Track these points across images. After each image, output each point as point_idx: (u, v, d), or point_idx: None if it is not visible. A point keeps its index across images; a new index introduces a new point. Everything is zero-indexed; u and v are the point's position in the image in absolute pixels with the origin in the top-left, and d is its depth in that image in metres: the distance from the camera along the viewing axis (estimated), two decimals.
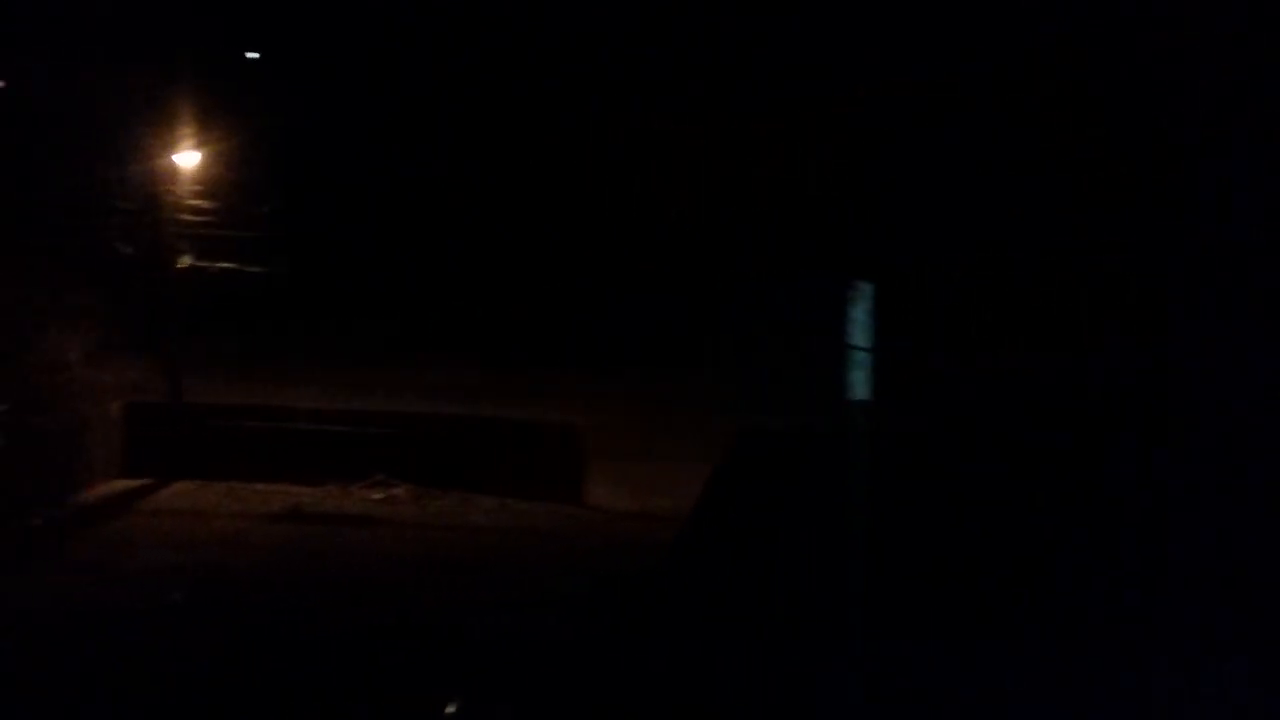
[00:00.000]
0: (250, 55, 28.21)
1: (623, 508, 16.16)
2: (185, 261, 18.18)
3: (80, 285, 17.33)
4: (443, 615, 11.49)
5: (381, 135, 27.27)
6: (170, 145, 18.35)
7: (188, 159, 18.42)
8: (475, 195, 26.91)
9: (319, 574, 13.08)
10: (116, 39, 21.40)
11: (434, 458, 16.70)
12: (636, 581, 10.74)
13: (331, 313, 23.30)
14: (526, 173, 26.63)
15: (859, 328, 6.39)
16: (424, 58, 28.19)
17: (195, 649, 10.53)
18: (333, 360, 21.25)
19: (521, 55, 27.52)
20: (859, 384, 6.41)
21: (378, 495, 16.28)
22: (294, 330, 22.72)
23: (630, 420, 18.48)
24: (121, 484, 16.67)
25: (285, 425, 17.19)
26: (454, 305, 23.93)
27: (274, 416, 17.40)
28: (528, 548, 14.50)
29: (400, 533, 14.90)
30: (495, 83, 27.29)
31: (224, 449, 16.74)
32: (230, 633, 11.02)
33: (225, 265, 18.51)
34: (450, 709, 8.91)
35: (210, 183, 18.57)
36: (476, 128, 27.12)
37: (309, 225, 23.25)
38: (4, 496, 14.63)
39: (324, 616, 11.61)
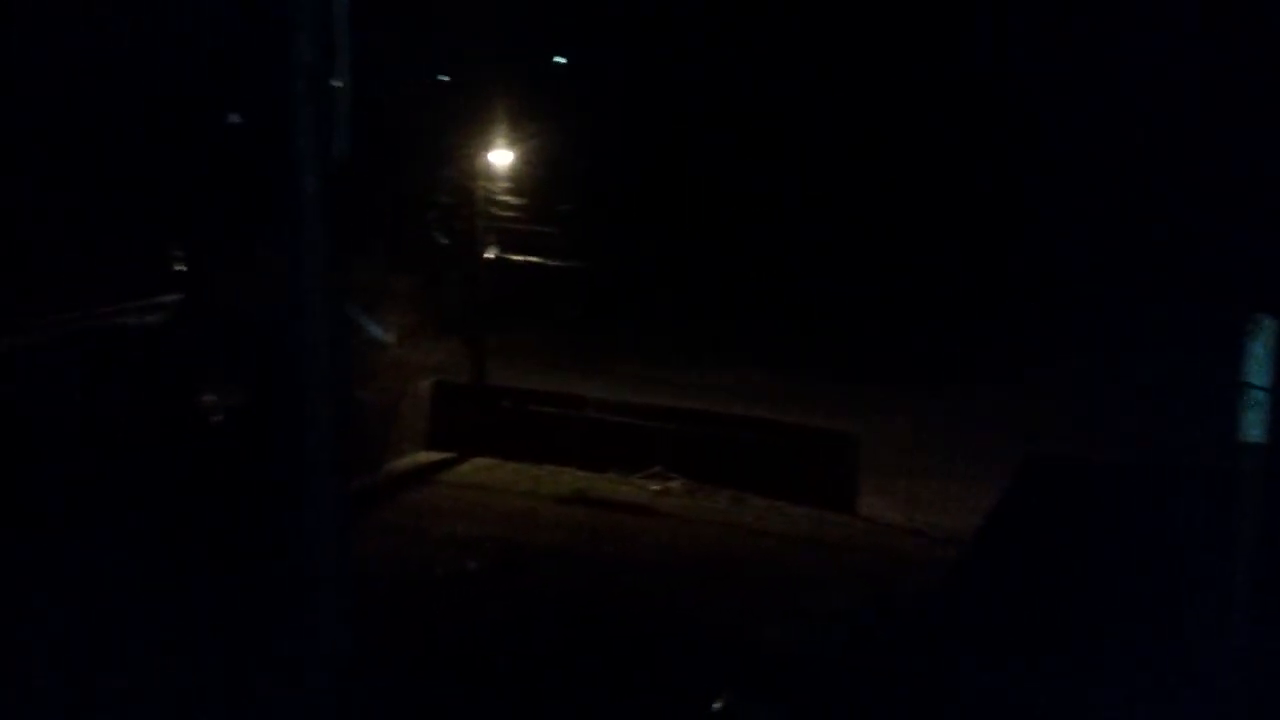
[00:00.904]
0: (558, 60, 29.89)
1: (895, 522, 15.95)
2: (492, 253, 19.56)
3: (402, 272, 19.02)
4: (712, 611, 11.80)
5: (680, 139, 28.07)
6: (486, 145, 19.80)
7: (500, 158, 19.80)
8: (779, 199, 27.15)
9: (601, 556, 13.73)
10: (448, 48, 23.09)
11: (710, 455, 17.09)
12: (915, 599, 10.61)
13: (626, 310, 24.26)
14: (835, 175, 26.54)
15: (1257, 365, 5.93)
16: (728, 59, 28.72)
17: (486, 615, 11.39)
18: (623, 355, 22.13)
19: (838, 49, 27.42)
20: (1255, 424, 5.97)
21: (655, 487, 16.84)
22: (589, 324, 23.81)
23: (914, 434, 18.22)
24: (426, 456, 18.12)
25: (574, 412, 18.14)
26: (746, 307, 24.29)
27: (564, 403, 18.39)
28: (797, 553, 14.55)
29: (675, 525, 15.33)
30: (804, 85, 27.43)
31: (517, 430, 17.86)
32: (518, 604, 11.80)
33: (528, 259, 19.77)
34: (717, 705, 9.10)
35: (519, 180, 19.90)
36: (776, 134, 27.39)
37: (608, 223, 24.35)
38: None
39: (604, 597, 12.23)
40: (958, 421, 18.98)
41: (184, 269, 20.28)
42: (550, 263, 20.14)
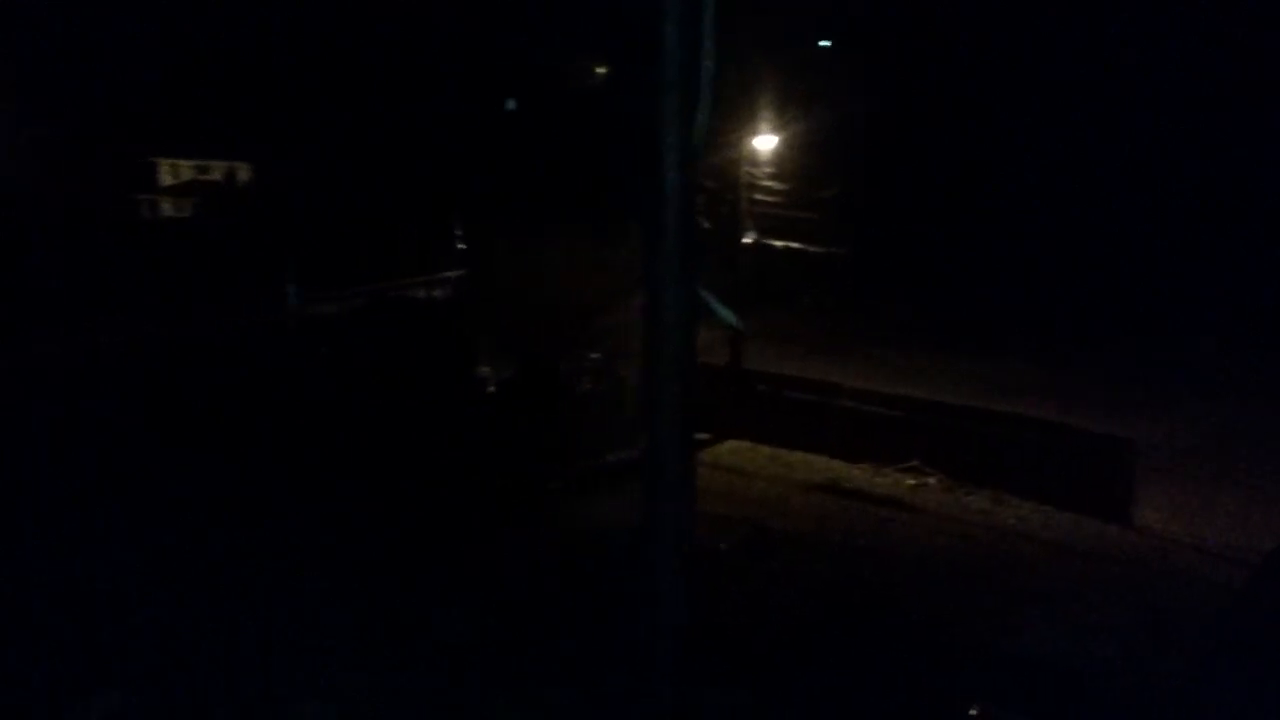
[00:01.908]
0: (823, 44, 29.55)
1: (1170, 533, 14.90)
2: (752, 238, 19.71)
3: None
4: (967, 613, 11.49)
5: (948, 125, 27.18)
6: (750, 130, 19.93)
7: (764, 142, 19.89)
8: (1058, 189, 25.87)
9: (851, 548, 13.64)
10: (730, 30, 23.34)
11: (969, 452, 16.49)
12: (1193, 621, 9.93)
13: (886, 297, 23.83)
14: (1125, 169, 25.00)
15: None
16: (1002, 43, 27.55)
17: (733, 596, 11.61)
18: (881, 342, 21.77)
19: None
20: None
21: (911, 481, 16.49)
22: (848, 311, 23.56)
23: (1188, 440, 16.96)
24: None
25: (828, 400, 17.98)
26: (1011, 298, 23.32)
27: (819, 390, 18.28)
28: (1061, 560, 13.86)
29: (931, 522, 14.97)
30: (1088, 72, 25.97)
31: (772, 415, 17.94)
32: (767, 586, 11.95)
33: (788, 244, 19.79)
34: (973, 712, 8.88)
35: (781, 165, 19.93)
36: (1056, 121, 26.04)
37: (870, 210, 23.94)
38: (591, 432, 17.04)
39: (854, 587, 12.19)
40: (1238, 432, 17.48)
41: (465, 248, 21.69)
42: (810, 248, 20.06)
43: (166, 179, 24.85)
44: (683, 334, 3.75)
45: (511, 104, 28.35)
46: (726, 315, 3.23)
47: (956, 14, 27.95)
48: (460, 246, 22.60)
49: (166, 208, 24.37)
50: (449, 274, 21.34)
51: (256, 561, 11.31)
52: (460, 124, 24.22)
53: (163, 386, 14.54)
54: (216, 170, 24.96)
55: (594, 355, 18.18)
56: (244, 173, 25.05)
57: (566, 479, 15.56)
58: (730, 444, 17.93)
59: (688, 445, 3.70)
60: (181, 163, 24.68)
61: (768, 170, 19.80)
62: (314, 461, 13.40)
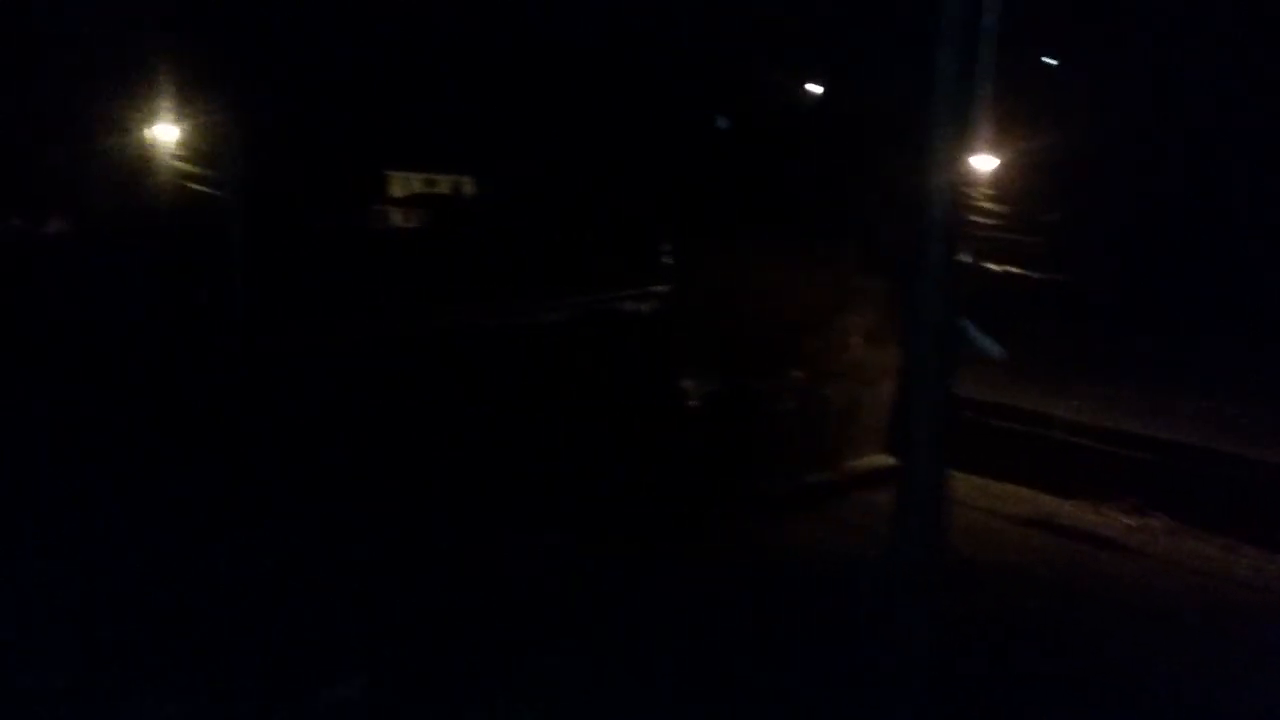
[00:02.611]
0: (1048, 61, 28.39)
1: None
2: (967, 260, 19.06)
3: (871, 273, 19.18)
4: (1189, 669, 10.75)
5: (1174, 153, 25.66)
6: (969, 149, 19.32)
7: (983, 162, 19.28)
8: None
9: (1064, 588, 13.01)
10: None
11: (1199, 494, 15.49)
12: None
13: (1109, 328, 22.69)
14: None
15: None
16: (1226, 69, 25.81)
17: (938, 628, 11.25)
18: (1103, 375, 20.69)
19: None
20: None
21: (1130, 521, 15.60)
22: (1068, 341, 22.55)
23: None
24: (882, 459, 18.13)
25: (1040, 431, 17.29)
26: (1245, 334, 21.78)
27: (1030, 420, 17.58)
28: None
29: (1153, 566, 14.10)
30: None
31: (978, 444, 17.34)
32: (973, 621, 11.53)
33: (1006, 268, 19.09)
34: None
35: (1002, 187, 19.27)
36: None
37: (1095, 236, 22.87)
38: (790, 451, 16.95)
39: (1066, 629, 11.62)
40: None
41: (672, 263, 22.00)
42: (1030, 274, 19.32)
43: (397, 191, 26.40)
44: (941, 366, 3.69)
45: (723, 122, 28.58)
46: (989, 346, 3.18)
47: (1194, 30, 26.34)
48: (667, 261, 22.94)
49: (396, 218, 25.88)
50: (655, 288, 21.70)
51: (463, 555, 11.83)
52: (671, 140, 24.60)
53: (399, 384, 15.42)
54: (443, 184, 26.34)
55: (797, 373, 18.07)
56: (467, 186, 26.33)
57: (765, 499, 15.53)
58: None
59: (941, 481, 3.64)
60: (412, 176, 26.21)
61: (986, 192, 19.21)
62: (522, 473, 13.89)
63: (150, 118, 22.93)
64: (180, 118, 23.02)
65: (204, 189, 22.08)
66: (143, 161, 22.66)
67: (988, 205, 18.86)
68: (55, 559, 10.68)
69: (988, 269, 19.15)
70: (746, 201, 20.20)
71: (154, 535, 11.29)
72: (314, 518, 12.15)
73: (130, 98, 21.64)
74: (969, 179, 19.08)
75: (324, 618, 10.08)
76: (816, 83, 29.93)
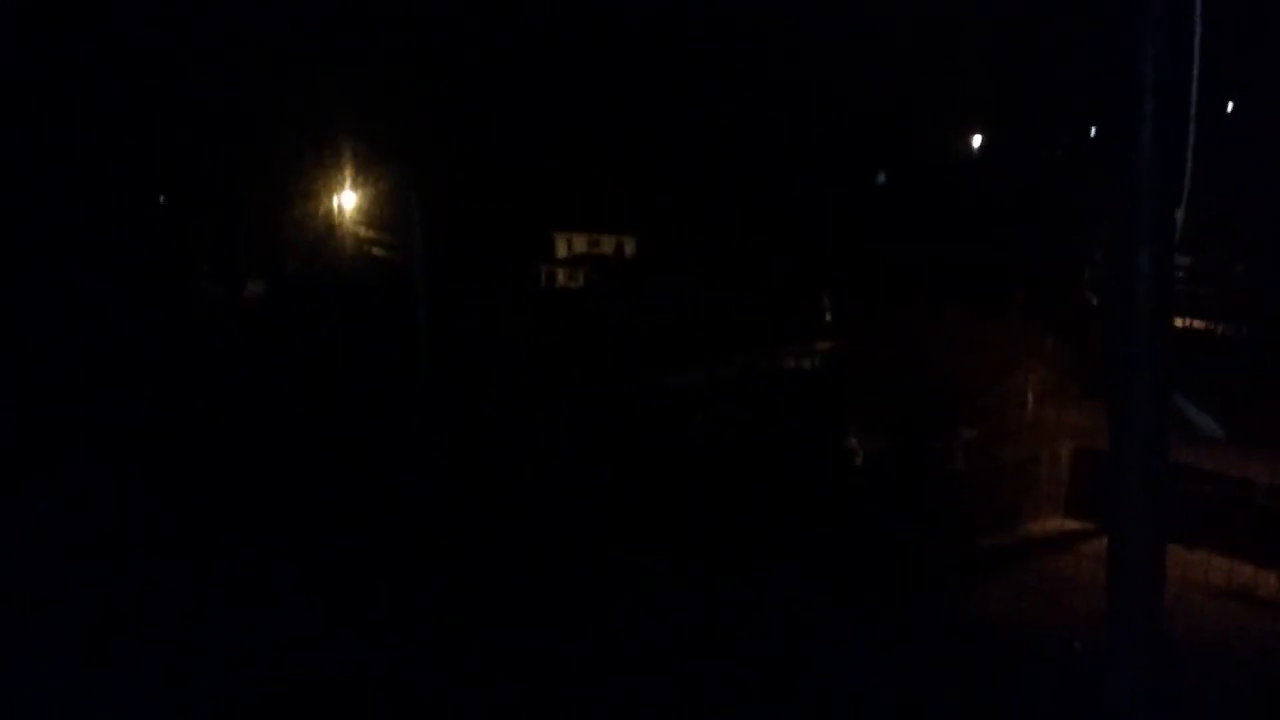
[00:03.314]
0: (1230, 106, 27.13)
1: None
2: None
3: (1048, 331, 18.62)
4: None
5: None
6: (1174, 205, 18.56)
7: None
8: None
9: (1269, 665, 12.19)
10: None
11: None
12: None
13: None
14: None
15: None
16: None
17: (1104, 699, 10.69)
18: None
19: None
20: None
21: None
22: (1263, 399, 21.26)
23: None
24: (1060, 523, 17.47)
25: (1238, 496, 16.30)
26: None
27: (1226, 485, 16.59)
28: None
29: None
30: None
31: (1170, 509, 16.46)
32: (1169, 701, 10.90)
33: (1188, 322, 18.20)
34: None
35: (1184, 237, 18.39)
36: None
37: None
38: (958, 515, 16.50)
39: (1267, 707, 10.87)
40: None
41: (835, 319, 21.87)
42: (1216, 327, 18.36)
43: (562, 250, 27.12)
44: (1154, 445, 3.56)
45: (882, 176, 28.40)
46: (1207, 423, 3.10)
47: None
48: (830, 318, 22.79)
49: (561, 277, 26.57)
50: (819, 345, 21.57)
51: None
52: (833, 196, 24.55)
53: (569, 436, 15.80)
54: (606, 243, 26.94)
55: (969, 432, 17.63)
56: (630, 245, 26.84)
57: (937, 561, 15.15)
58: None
59: (1159, 555, 3.51)
60: (576, 236, 26.91)
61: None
62: (694, 527, 13.98)
63: (334, 187, 24.35)
64: (361, 186, 24.37)
65: (384, 253, 23.27)
66: (329, 228, 24.03)
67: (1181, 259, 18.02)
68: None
69: (1175, 324, 18.27)
70: (910, 256, 19.98)
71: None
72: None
73: (317, 169, 23.03)
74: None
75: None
76: (979, 134, 29.46)
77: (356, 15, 20.73)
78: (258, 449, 15.14)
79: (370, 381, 16.97)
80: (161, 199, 24.16)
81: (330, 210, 24.97)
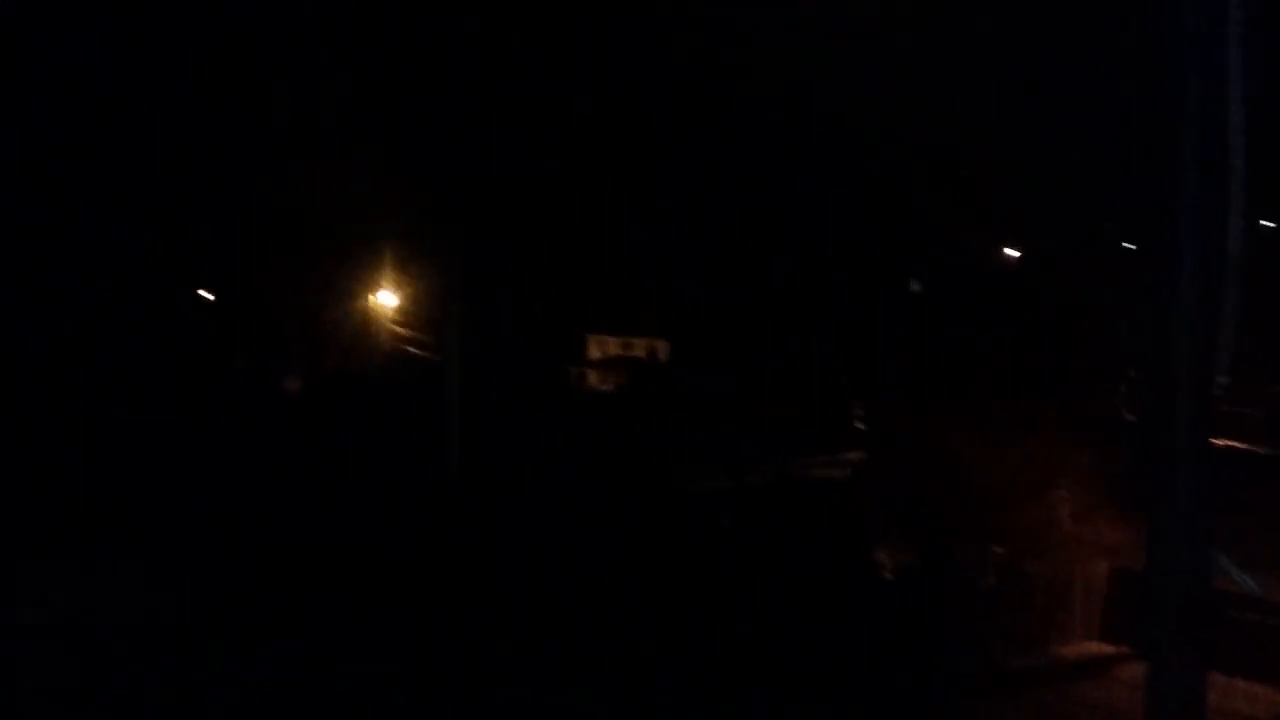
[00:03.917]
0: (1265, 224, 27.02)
1: None
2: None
3: (1083, 446, 18.29)
4: None
5: None
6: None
7: None
8: None
9: None
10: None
11: None
12: None
13: None
14: None
15: None
16: None
17: None
18: None
19: None
20: None
21: None
22: None
23: None
24: (1096, 646, 16.87)
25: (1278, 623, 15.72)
26: None
27: (1268, 610, 16.02)
28: None
29: None
30: None
31: (1213, 635, 15.90)
32: None
33: (1230, 443, 17.83)
34: None
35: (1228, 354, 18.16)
36: None
37: None
38: (988, 633, 16.02)
39: None
40: None
41: (865, 429, 21.70)
42: (1258, 449, 17.97)
43: (595, 353, 27.34)
44: (1195, 569, 3.45)
45: (916, 284, 28.45)
46: (1245, 581, 3.02)
47: None
48: (859, 427, 22.62)
49: (593, 379, 26.72)
50: (847, 455, 21.39)
51: None
52: (865, 303, 24.62)
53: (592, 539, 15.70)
54: (638, 346, 27.14)
55: (999, 548, 17.24)
56: (662, 348, 27.03)
57: (962, 683, 14.68)
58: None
59: (1200, 691, 3.38)
60: (609, 339, 27.15)
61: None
62: (714, 635, 13.72)
63: (373, 288, 24.88)
64: (399, 287, 24.87)
65: (420, 351, 23.58)
66: (366, 326, 24.45)
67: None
68: None
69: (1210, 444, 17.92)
70: (943, 366, 19.85)
71: None
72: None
73: (357, 271, 23.58)
74: None
75: None
76: (1015, 246, 29.50)
77: (395, 129, 21.44)
78: (281, 544, 15.17)
79: (400, 478, 17.06)
80: (204, 295, 24.76)
81: (368, 309, 25.44)
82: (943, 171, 24.14)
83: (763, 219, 25.37)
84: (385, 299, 25.44)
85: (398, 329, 25.28)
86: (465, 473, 17.02)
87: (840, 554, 17.22)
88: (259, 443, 19.85)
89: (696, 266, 25.19)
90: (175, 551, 14.63)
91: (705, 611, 14.54)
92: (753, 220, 25.26)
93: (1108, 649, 16.55)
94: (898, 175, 24.16)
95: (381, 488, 17.06)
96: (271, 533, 15.58)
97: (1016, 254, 28.48)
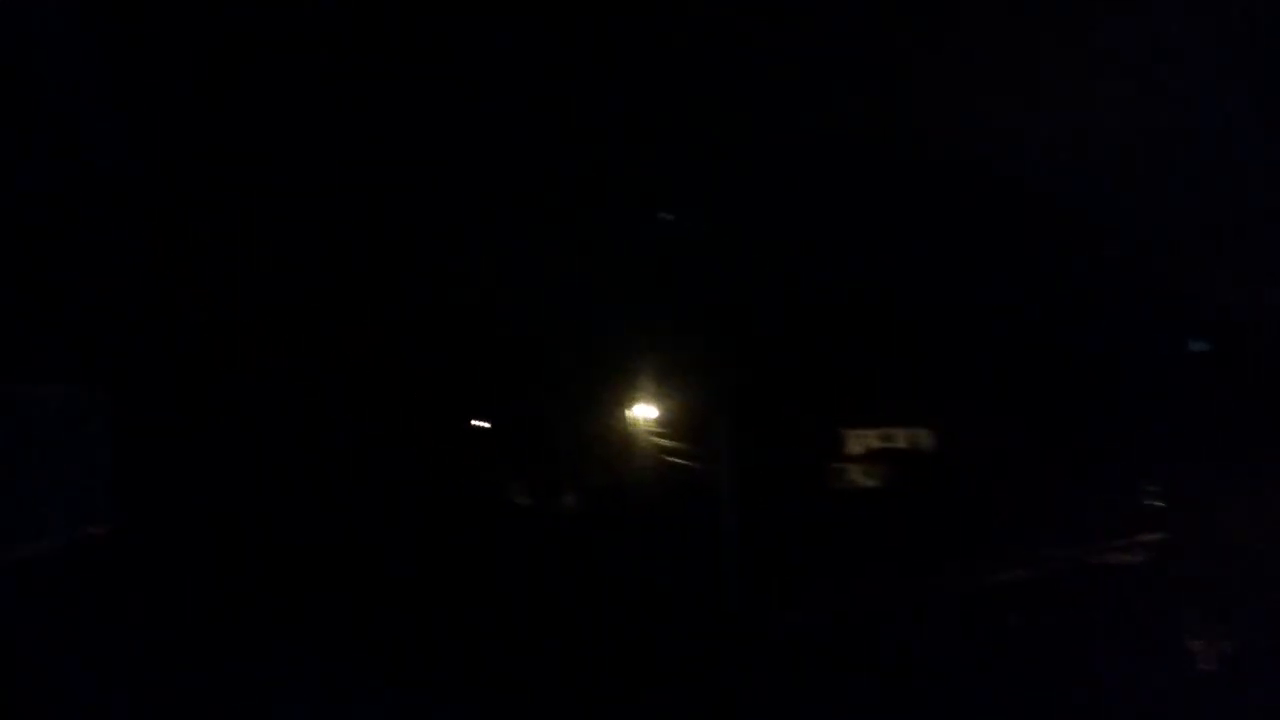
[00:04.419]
0: None
1: None
2: None
3: None
4: None
5: None
6: None
7: None
8: None
9: None
10: None
11: None
12: None
13: None
14: None
15: None
16: None
17: None
18: None
19: None
20: None
21: None
22: None
23: None
24: None
25: None
26: None
27: None
28: None
29: None
30: None
31: None
32: None
33: None
34: None
35: None
36: None
37: None
38: None
39: None
40: None
41: (1162, 506, 20.20)
42: None
43: (854, 448, 26.90)
44: None
45: (1199, 344, 26.43)
46: None
47: None
48: (1156, 504, 21.12)
49: (854, 474, 26.24)
50: (1144, 536, 19.97)
51: None
52: (1146, 369, 23.12)
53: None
54: (900, 437, 26.46)
55: None
56: (926, 439, 26.23)
57: None
58: None
59: None
60: (866, 432, 26.64)
61: None
62: None
63: (631, 403, 25.64)
64: (656, 399, 25.51)
65: (682, 461, 23.97)
66: (627, 439, 25.14)
67: None
68: None
69: None
70: (1251, 433, 18.27)
71: None
72: None
73: (618, 387, 24.41)
74: None
75: None
76: None
77: (646, 255, 22.21)
78: (570, 662, 15.39)
79: (677, 592, 17.17)
80: (473, 421, 26.26)
81: (629, 422, 26.21)
82: (1223, 220, 22.49)
83: (1033, 289, 24.30)
84: (645, 412, 26.15)
85: (657, 439, 25.83)
86: (744, 584, 16.97)
87: (1146, 651, 15.97)
88: (535, 561, 20.55)
89: (961, 348, 24.40)
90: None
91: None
92: (1022, 292, 24.21)
93: None
94: (1176, 232, 22.70)
95: (659, 603, 17.22)
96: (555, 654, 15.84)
97: None
